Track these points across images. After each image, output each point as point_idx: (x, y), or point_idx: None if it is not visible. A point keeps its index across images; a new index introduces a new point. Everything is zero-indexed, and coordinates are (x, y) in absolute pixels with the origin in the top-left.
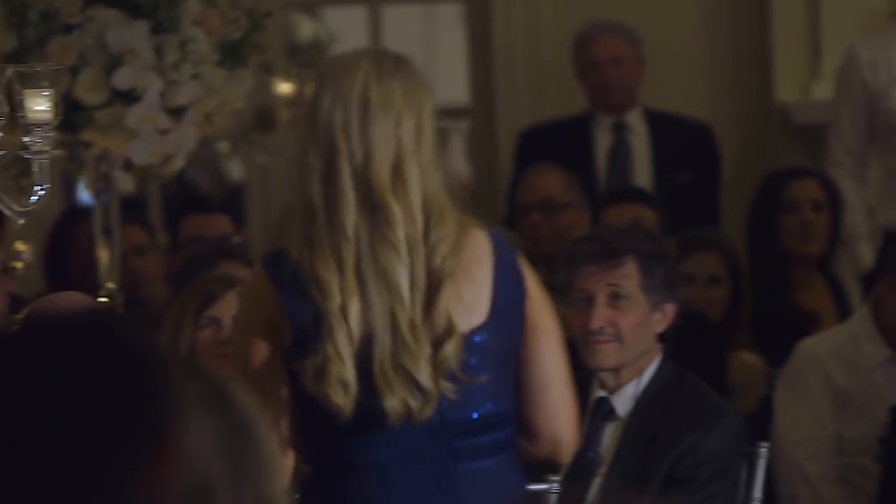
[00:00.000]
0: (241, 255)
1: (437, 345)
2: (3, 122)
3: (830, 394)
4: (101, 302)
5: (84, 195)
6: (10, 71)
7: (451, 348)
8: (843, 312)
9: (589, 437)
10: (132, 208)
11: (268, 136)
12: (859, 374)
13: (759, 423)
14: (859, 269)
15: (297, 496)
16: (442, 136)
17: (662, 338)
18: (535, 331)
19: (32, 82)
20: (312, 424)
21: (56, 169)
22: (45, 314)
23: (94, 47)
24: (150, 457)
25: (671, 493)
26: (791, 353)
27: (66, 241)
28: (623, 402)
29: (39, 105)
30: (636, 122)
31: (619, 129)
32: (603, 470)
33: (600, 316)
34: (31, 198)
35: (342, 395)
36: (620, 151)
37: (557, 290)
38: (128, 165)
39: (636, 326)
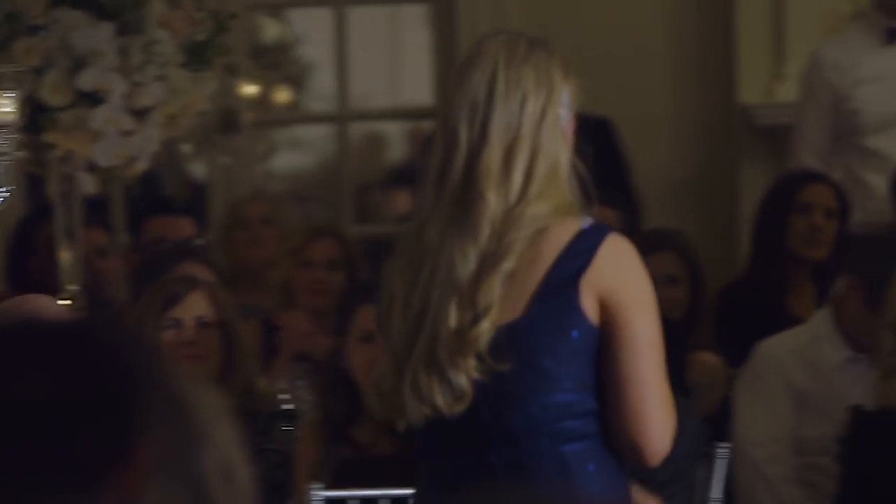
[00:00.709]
0: (203, 257)
1: (467, 330)
2: None
3: (790, 394)
4: (63, 304)
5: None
6: None
7: (480, 333)
8: None
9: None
10: (94, 210)
11: (231, 138)
12: (819, 375)
13: (719, 424)
14: None
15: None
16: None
17: None
18: (613, 326)
19: None
20: None
21: (19, 171)
22: (21, 316)
23: (59, 49)
24: (116, 464)
25: None
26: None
27: (27, 242)
28: None
29: (3, 107)
30: None
31: None
32: None
33: None
34: None
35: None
36: None
37: None
38: (91, 167)
39: None
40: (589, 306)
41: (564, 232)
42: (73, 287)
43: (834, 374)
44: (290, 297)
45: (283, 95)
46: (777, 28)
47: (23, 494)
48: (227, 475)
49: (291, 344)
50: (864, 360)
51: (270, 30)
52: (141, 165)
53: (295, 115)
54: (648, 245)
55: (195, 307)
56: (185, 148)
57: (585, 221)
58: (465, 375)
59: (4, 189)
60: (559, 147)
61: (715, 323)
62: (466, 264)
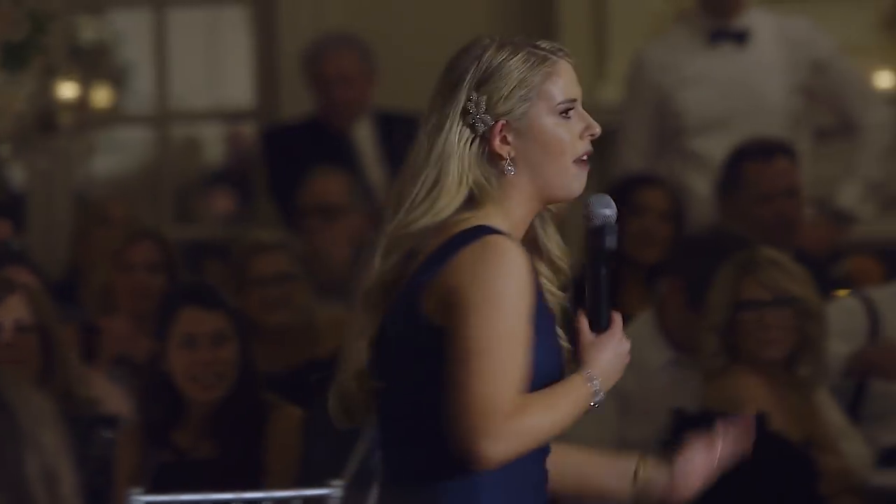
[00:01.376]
0: (22, 260)
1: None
2: None
3: (613, 396)
4: None
5: None
6: None
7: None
8: None
9: (373, 443)
10: None
11: (50, 140)
12: (642, 377)
13: None
14: None
15: None
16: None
17: None
18: (447, 328)
19: None
20: None
21: None
22: None
23: None
24: None
25: None
26: None
27: None
28: None
29: None
30: (363, 129)
31: (345, 139)
32: None
33: None
34: None
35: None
36: (350, 161)
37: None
38: None
39: None
40: (431, 309)
41: (438, 241)
42: None
43: (657, 376)
44: (111, 300)
45: (102, 97)
46: (599, 28)
47: None
48: (50, 480)
49: (112, 348)
50: (686, 361)
51: (89, 30)
52: None
53: (114, 116)
54: None
55: (13, 311)
56: (3, 150)
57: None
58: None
59: None
60: (450, 157)
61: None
62: (368, 280)
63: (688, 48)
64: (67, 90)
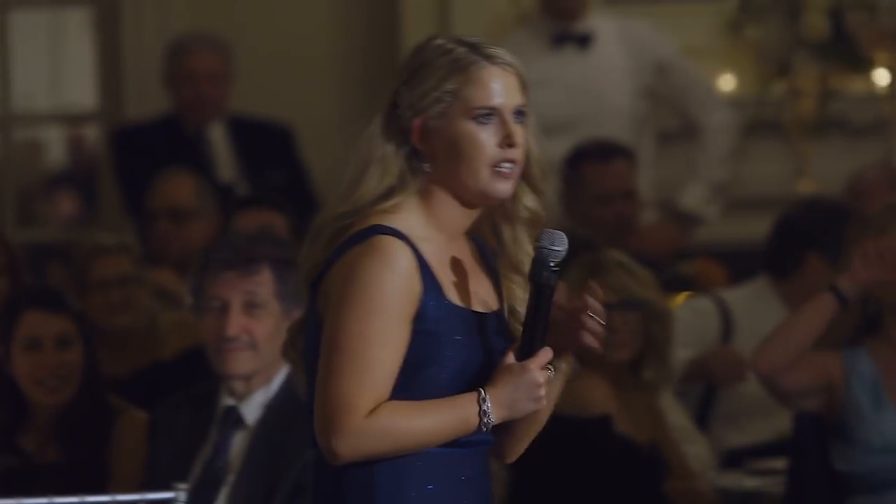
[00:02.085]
0: None
1: None
2: None
3: None
4: None
5: None
6: None
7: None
8: None
9: (218, 446)
10: None
11: None
12: None
13: None
14: None
15: None
16: None
17: None
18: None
19: None
20: None
21: None
22: None
23: None
24: None
25: (300, 500)
26: None
27: None
28: (252, 410)
29: None
30: (219, 132)
31: (202, 141)
32: (231, 479)
33: (235, 323)
34: None
35: None
36: (203, 163)
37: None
38: None
39: (270, 334)
40: (320, 303)
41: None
42: None
43: None
44: None
45: None
46: (442, 30)
47: None
48: None
49: None
50: None
51: None
52: None
53: None
54: None
55: None
56: None
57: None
58: None
59: None
60: (375, 148)
61: None
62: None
63: (531, 51)
64: None
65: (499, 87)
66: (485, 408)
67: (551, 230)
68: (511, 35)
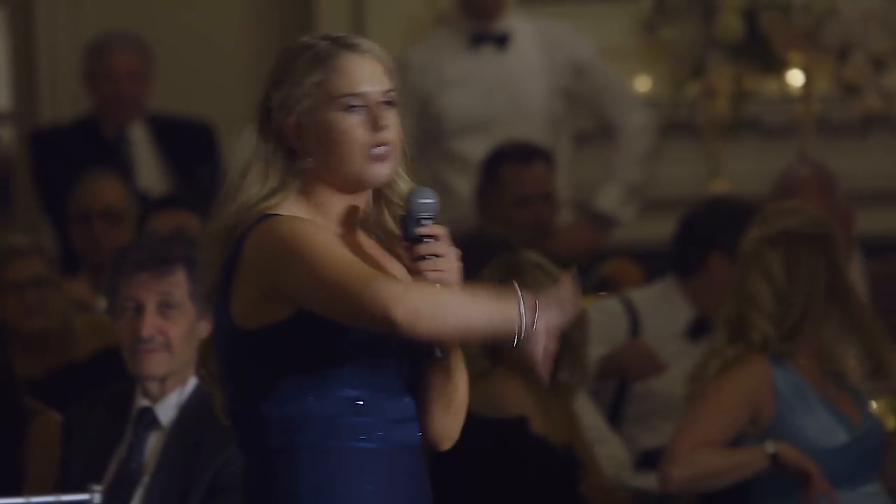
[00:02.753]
0: None
1: None
2: None
3: None
4: None
5: None
6: None
7: None
8: None
9: (132, 447)
10: None
11: None
12: None
13: None
14: None
15: None
16: None
17: None
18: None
19: None
20: None
21: None
22: None
23: None
24: None
25: (215, 501)
26: None
27: None
28: (166, 411)
29: None
30: (140, 131)
31: (122, 141)
32: (146, 480)
33: (150, 324)
34: None
35: None
36: (123, 163)
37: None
38: None
39: (185, 335)
40: (237, 313)
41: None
42: None
43: None
44: None
45: None
46: (357, 32)
47: None
48: None
49: None
50: None
51: None
52: None
53: None
54: None
55: None
56: None
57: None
58: None
59: None
60: (255, 152)
61: None
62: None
63: (449, 51)
64: None
65: (362, 74)
66: (521, 306)
67: (420, 187)
68: (429, 35)
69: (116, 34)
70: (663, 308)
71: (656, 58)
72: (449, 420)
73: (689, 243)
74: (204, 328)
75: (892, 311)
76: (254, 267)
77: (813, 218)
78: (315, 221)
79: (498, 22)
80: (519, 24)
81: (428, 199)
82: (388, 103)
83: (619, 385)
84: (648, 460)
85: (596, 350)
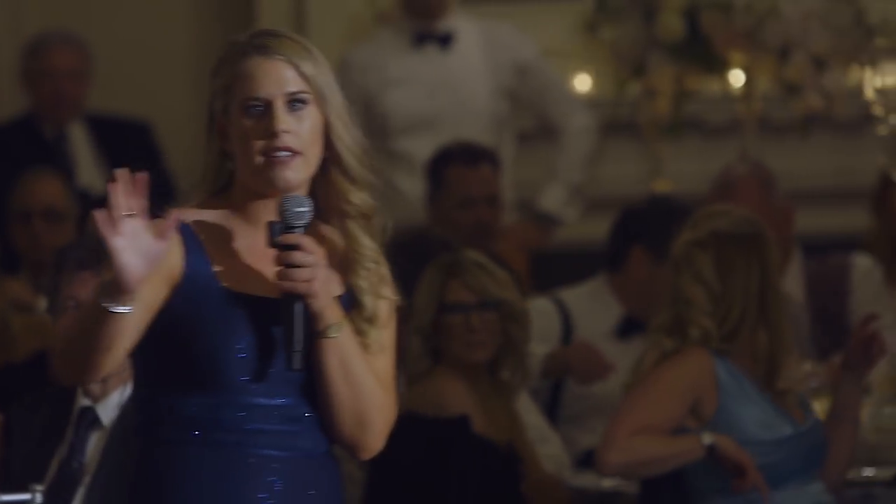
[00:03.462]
0: None
1: None
2: None
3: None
4: None
5: None
6: None
7: None
8: None
9: (74, 447)
10: None
11: None
12: None
13: None
14: None
15: None
16: None
17: None
18: None
19: None
20: None
21: None
22: None
23: None
24: None
25: None
26: None
27: None
28: (108, 410)
29: None
30: (79, 130)
31: (61, 140)
32: (87, 479)
33: None
34: None
35: None
36: (63, 162)
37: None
38: None
39: None
40: None
41: None
42: None
43: None
44: None
45: None
46: (298, 31)
47: None
48: None
49: None
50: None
51: None
52: None
53: None
54: None
55: None
56: None
57: None
58: None
59: None
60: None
61: None
62: None
63: (392, 50)
64: None
65: (264, 78)
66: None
67: (293, 195)
68: (372, 34)
69: (55, 33)
70: (594, 307)
71: (598, 57)
72: (355, 430)
73: (616, 238)
74: None
75: (830, 309)
76: None
77: (742, 218)
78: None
79: (441, 21)
80: (462, 24)
81: (300, 208)
82: (296, 105)
83: (555, 385)
84: (588, 460)
85: (538, 348)
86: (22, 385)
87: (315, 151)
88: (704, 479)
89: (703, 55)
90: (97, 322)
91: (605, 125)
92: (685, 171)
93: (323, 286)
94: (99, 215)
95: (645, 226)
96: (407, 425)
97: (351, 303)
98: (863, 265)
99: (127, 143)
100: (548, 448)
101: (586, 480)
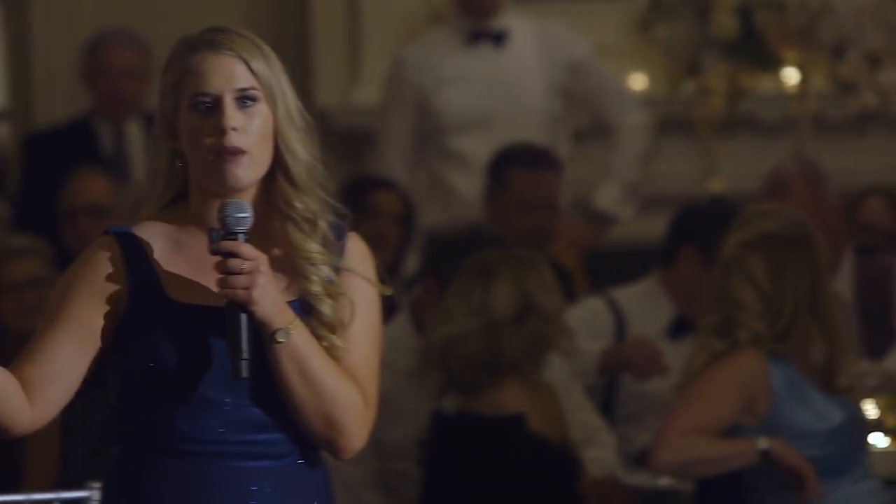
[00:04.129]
0: None
1: None
2: None
3: None
4: None
5: None
6: None
7: None
8: None
9: None
10: None
11: None
12: (397, 377)
13: None
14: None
15: None
16: None
17: None
18: None
19: None
20: None
21: None
22: None
23: None
24: None
25: None
26: None
27: None
28: None
29: None
30: (137, 130)
31: (120, 139)
32: None
33: None
34: None
35: None
36: (120, 161)
37: None
38: None
39: None
40: None
41: None
42: None
43: (412, 378)
44: None
45: None
46: (353, 30)
47: None
48: None
49: None
50: None
51: None
52: None
53: None
54: None
55: None
56: None
57: None
58: None
59: None
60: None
61: None
62: None
63: (446, 48)
64: None
65: (213, 73)
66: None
67: (233, 200)
68: (426, 32)
69: (113, 31)
70: (646, 307)
71: (652, 56)
72: (327, 432)
73: (670, 236)
74: None
75: (881, 305)
76: None
77: (790, 218)
78: (83, 273)
79: (495, 20)
80: (516, 23)
81: (239, 213)
82: (246, 102)
83: (609, 384)
84: (644, 458)
85: (595, 344)
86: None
87: (266, 150)
88: (761, 477)
89: (757, 53)
90: None
91: (659, 124)
92: (739, 170)
93: (263, 292)
94: None
95: (698, 225)
96: (464, 424)
97: (306, 308)
98: None
99: None
100: (600, 446)
101: (641, 479)
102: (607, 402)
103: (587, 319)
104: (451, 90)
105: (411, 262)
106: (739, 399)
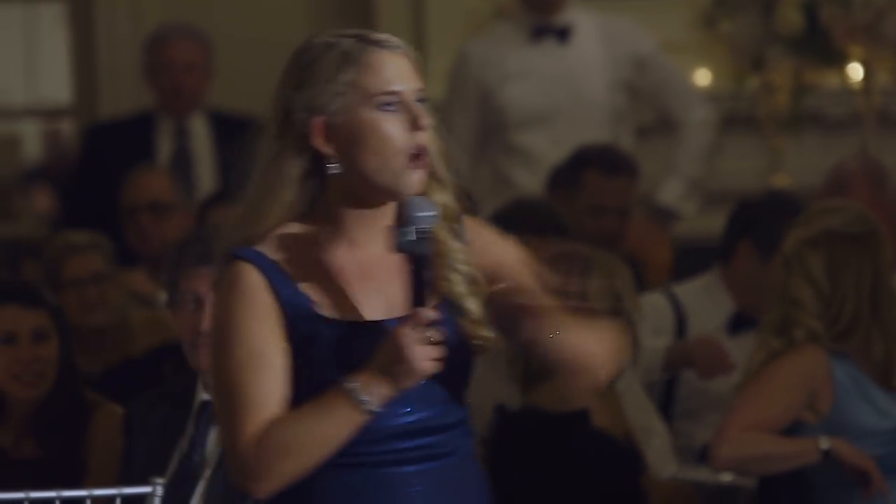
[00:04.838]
0: None
1: None
2: None
3: None
4: None
5: None
6: None
7: None
8: None
9: (194, 441)
10: None
11: None
12: None
13: None
14: None
15: None
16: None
17: None
18: None
19: None
20: None
21: None
22: None
23: None
24: None
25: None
26: None
27: None
28: None
29: None
30: (199, 125)
31: (181, 134)
32: (208, 473)
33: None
34: None
35: None
36: (181, 157)
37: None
38: None
39: None
40: None
41: None
42: None
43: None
44: None
45: None
46: (418, 25)
47: None
48: None
49: None
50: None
51: None
52: None
53: None
54: None
55: None
56: None
57: None
58: None
59: None
60: (271, 164)
61: None
62: None
63: (510, 44)
64: None
65: (395, 71)
66: (354, 393)
67: (416, 197)
68: (490, 28)
69: (175, 26)
70: (706, 302)
71: (716, 51)
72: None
73: (729, 231)
74: None
75: None
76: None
77: (856, 215)
78: (252, 307)
79: (559, 15)
80: (580, 18)
81: (428, 211)
82: (422, 102)
83: (669, 380)
84: (706, 454)
85: (658, 341)
86: (141, 380)
87: None
88: (823, 474)
89: (822, 49)
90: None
91: (723, 119)
92: (804, 166)
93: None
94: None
95: (755, 220)
96: (528, 420)
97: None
98: None
99: (245, 141)
100: (659, 442)
101: (703, 475)
102: (667, 397)
103: (649, 315)
104: (514, 86)
105: None
106: (801, 396)
